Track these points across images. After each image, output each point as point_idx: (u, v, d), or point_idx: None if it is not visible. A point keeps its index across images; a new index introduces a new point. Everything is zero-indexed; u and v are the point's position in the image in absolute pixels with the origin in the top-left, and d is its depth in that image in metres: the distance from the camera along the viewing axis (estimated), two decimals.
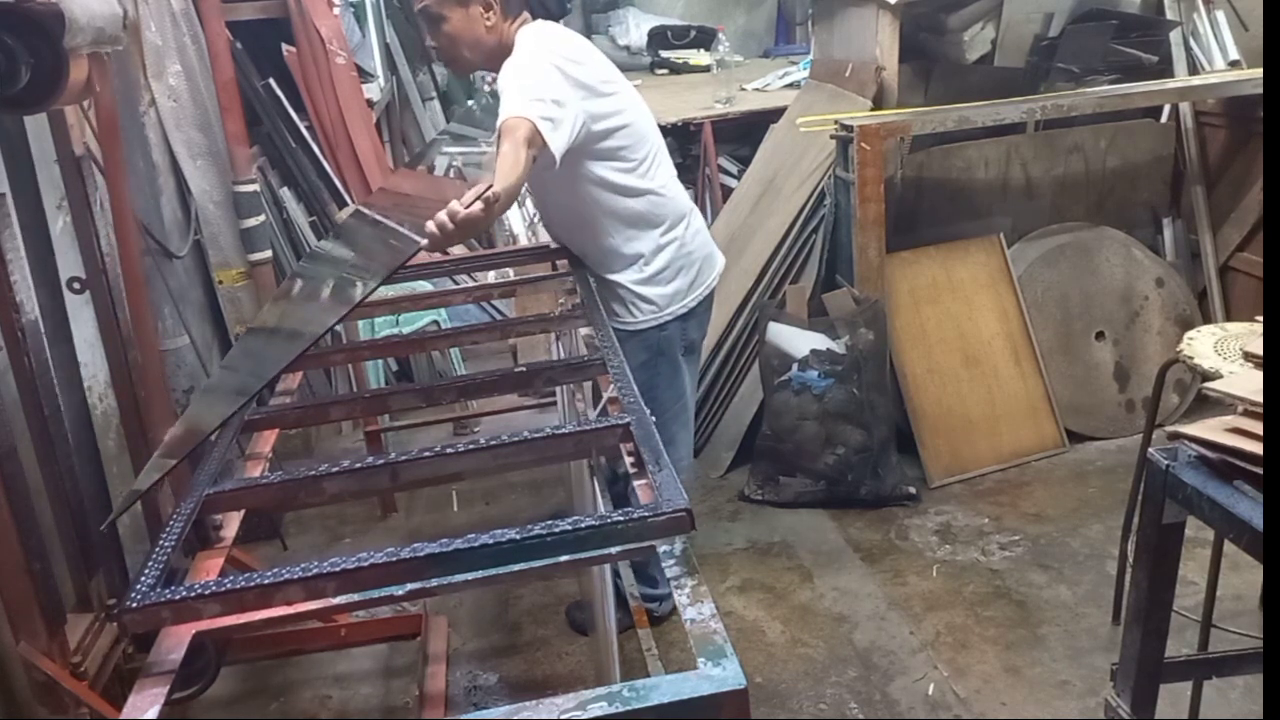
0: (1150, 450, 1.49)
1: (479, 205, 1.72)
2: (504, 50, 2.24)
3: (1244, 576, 2.57)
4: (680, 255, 2.44)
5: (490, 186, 1.78)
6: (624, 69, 6.78)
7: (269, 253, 3.63)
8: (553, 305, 2.68)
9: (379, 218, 2.31)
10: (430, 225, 1.74)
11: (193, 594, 1.22)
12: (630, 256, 2.37)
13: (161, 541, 1.36)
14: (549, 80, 2.10)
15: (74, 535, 2.06)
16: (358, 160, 4.00)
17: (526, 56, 2.17)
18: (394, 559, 1.23)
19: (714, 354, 3.57)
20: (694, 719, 1.03)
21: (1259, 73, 3.13)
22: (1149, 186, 3.80)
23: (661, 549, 1.27)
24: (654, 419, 2.32)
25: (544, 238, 3.87)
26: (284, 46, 3.87)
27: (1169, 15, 3.67)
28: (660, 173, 2.41)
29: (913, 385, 3.34)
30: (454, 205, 1.72)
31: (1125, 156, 3.74)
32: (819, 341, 3.22)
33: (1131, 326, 3.58)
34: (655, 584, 2.69)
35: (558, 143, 2.04)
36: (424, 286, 3.43)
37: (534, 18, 2.34)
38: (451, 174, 5.30)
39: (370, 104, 4.28)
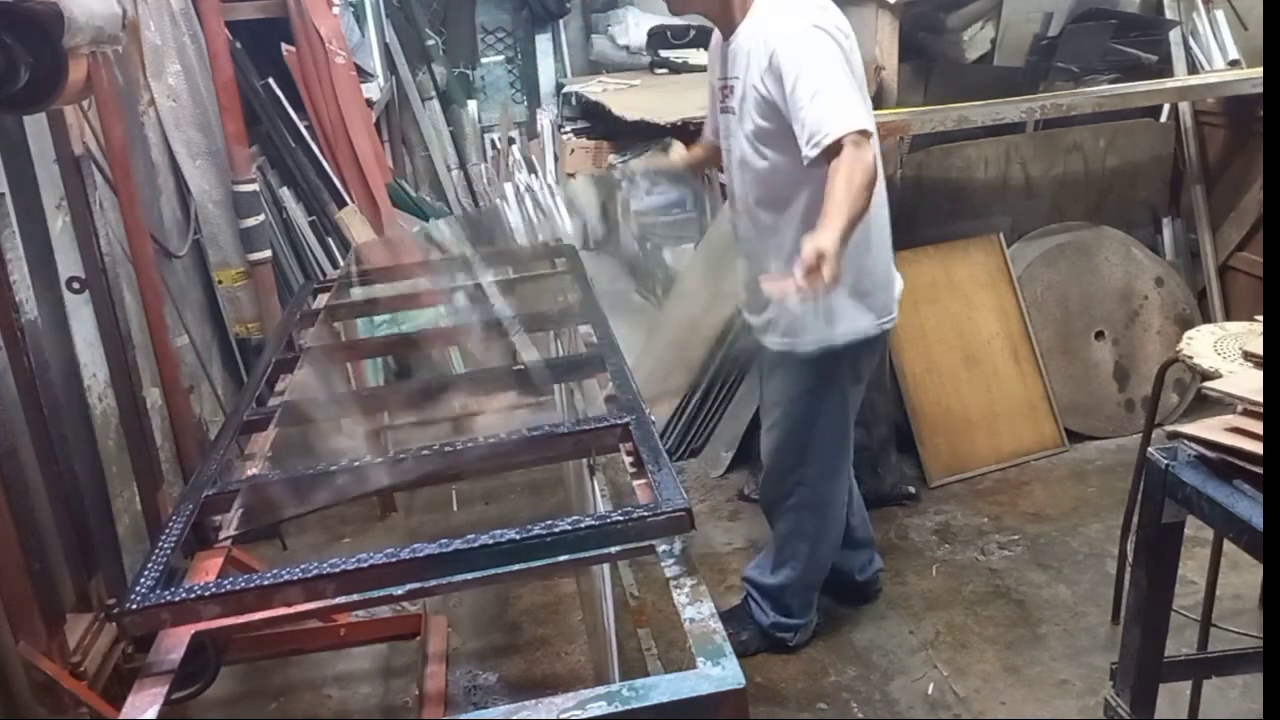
0: (1150, 450, 1.49)
1: (832, 243, 1.72)
2: (736, 4, 2.09)
3: (1243, 576, 2.57)
4: (886, 255, 2.30)
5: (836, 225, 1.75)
6: (623, 69, 6.77)
7: (268, 252, 3.63)
8: (552, 303, 2.68)
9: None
10: (796, 281, 1.71)
11: (192, 595, 1.22)
12: (853, 255, 1.99)
13: (161, 542, 1.36)
14: (841, 65, 1.97)
15: (73, 535, 2.05)
16: (357, 160, 3.99)
17: (807, 38, 1.97)
18: (393, 559, 1.23)
19: (714, 354, 3.57)
20: (693, 718, 1.03)
21: (1258, 72, 3.12)
22: (1148, 186, 3.80)
23: (661, 548, 1.27)
24: (808, 459, 2.39)
25: (546, 236, 3.87)
26: (283, 46, 3.87)
27: (1168, 15, 3.67)
28: None
29: (912, 384, 3.34)
30: (812, 247, 1.71)
31: (1125, 156, 3.74)
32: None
33: (1131, 326, 3.58)
34: (790, 612, 2.54)
35: (875, 147, 1.94)
36: (423, 285, 3.42)
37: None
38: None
39: (370, 104, 4.28)
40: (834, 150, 1.87)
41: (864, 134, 1.87)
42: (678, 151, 2.60)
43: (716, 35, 2.23)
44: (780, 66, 1.96)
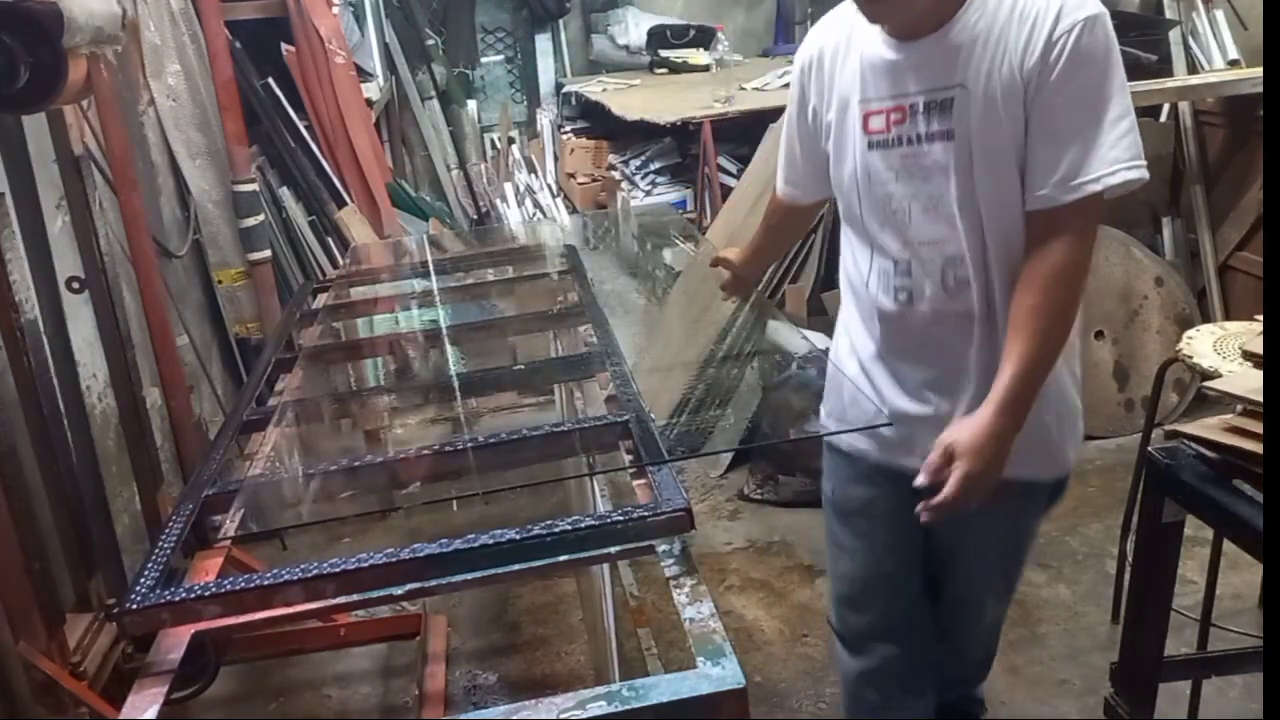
0: (1149, 449, 1.49)
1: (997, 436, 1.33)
2: None
3: (1243, 575, 2.57)
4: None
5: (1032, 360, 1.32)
6: (623, 68, 6.77)
7: (268, 252, 3.63)
8: (552, 303, 2.68)
9: None
10: (952, 489, 1.34)
11: (192, 595, 1.22)
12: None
13: (161, 542, 1.36)
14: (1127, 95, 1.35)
15: (73, 535, 2.05)
16: (357, 160, 4.00)
17: (1109, 30, 1.35)
18: (393, 559, 1.23)
19: (714, 352, 3.57)
20: (693, 718, 1.03)
21: (1258, 72, 3.13)
22: (1148, 185, 3.77)
23: (660, 548, 1.27)
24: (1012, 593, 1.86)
25: (545, 237, 3.87)
26: (283, 46, 3.87)
27: (1168, 14, 3.67)
28: None
29: None
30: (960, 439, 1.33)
31: None
32: (819, 340, 3.22)
33: (1130, 325, 3.58)
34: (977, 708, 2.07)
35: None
36: (422, 285, 3.43)
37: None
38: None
39: (369, 103, 4.28)
40: (1077, 211, 1.33)
41: (1136, 184, 1.34)
42: (729, 255, 2.04)
43: (819, 47, 1.55)
44: (1072, 56, 1.30)
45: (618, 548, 1.26)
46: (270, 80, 3.75)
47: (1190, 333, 2.21)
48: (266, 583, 1.23)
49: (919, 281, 1.47)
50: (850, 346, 1.65)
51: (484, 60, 6.26)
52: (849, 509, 1.72)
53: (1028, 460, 1.45)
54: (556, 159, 5.89)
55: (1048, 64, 1.31)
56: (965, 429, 1.35)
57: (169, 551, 1.34)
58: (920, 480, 1.37)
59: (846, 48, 1.48)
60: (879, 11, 1.38)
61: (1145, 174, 1.32)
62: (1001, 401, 1.34)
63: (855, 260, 1.58)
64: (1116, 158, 1.30)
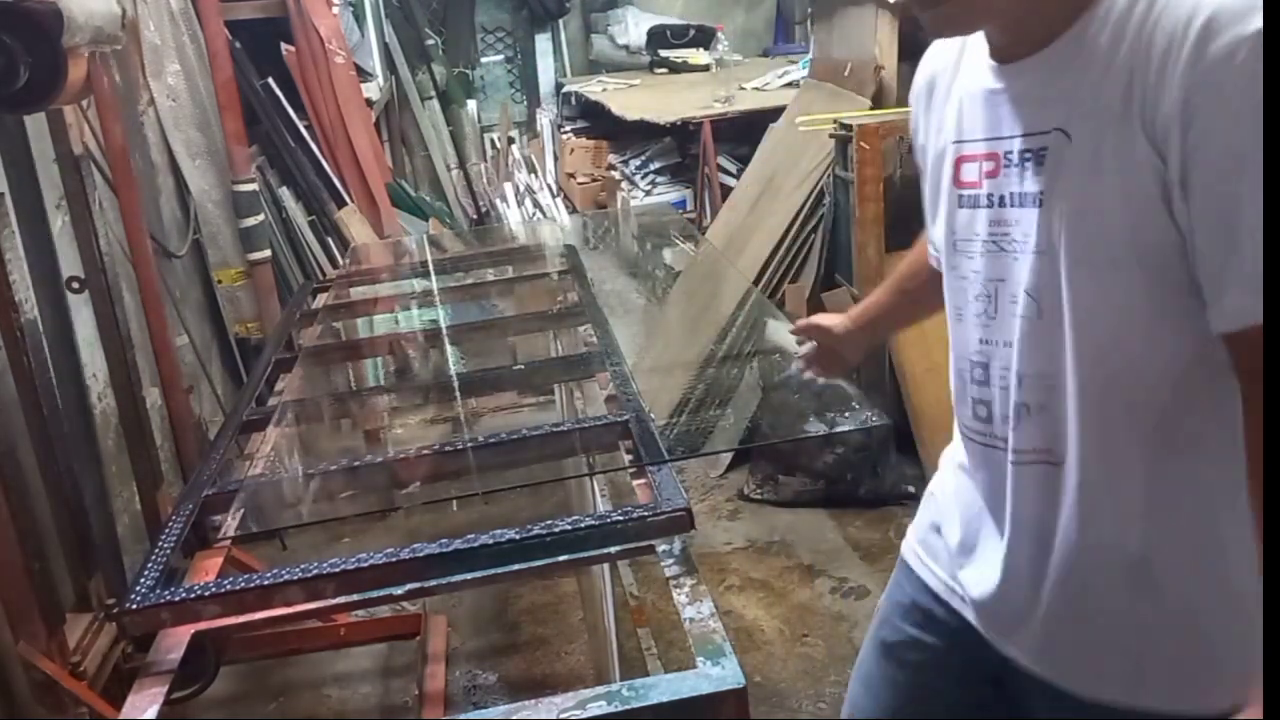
0: None
1: None
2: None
3: None
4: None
5: None
6: (623, 68, 6.79)
7: (268, 252, 3.63)
8: (551, 303, 2.68)
9: None
10: None
11: (192, 595, 1.22)
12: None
13: (161, 542, 1.37)
14: None
15: (73, 535, 2.05)
16: (357, 159, 4.00)
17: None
18: (393, 559, 1.23)
19: (713, 352, 3.57)
20: (693, 718, 1.03)
21: None
22: None
23: (660, 548, 1.27)
24: None
25: (545, 237, 3.87)
26: (283, 46, 3.87)
27: None
28: None
29: (912, 384, 3.34)
30: None
31: None
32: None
33: None
34: None
35: None
36: (422, 285, 3.43)
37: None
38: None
39: (369, 103, 4.29)
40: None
41: None
42: (825, 323, 1.52)
43: (930, 71, 1.15)
44: (1238, 92, 0.79)
45: (618, 548, 1.26)
46: (270, 80, 3.76)
47: None
48: (266, 583, 1.23)
49: (993, 397, 1.07)
50: (949, 452, 1.24)
51: (484, 60, 6.27)
52: (888, 636, 1.27)
53: (1173, 684, 0.98)
54: (556, 159, 5.90)
55: (1194, 109, 0.81)
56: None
57: (169, 551, 1.34)
58: None
59: (955, 71, 1.07)
60: (939, 22, 0.96)
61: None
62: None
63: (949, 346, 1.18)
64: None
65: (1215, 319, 0.85)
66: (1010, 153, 0.97)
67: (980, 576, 1.11)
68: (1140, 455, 0.95)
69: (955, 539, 1.16)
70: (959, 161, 1.05)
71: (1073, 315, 0.93)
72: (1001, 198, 0.99)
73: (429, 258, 3.00)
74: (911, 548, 1.27)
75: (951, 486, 1.20)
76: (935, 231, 1.14)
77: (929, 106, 1.13)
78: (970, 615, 1.13)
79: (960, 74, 1.06)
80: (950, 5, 0.91)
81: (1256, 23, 0.78)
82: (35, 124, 2.14)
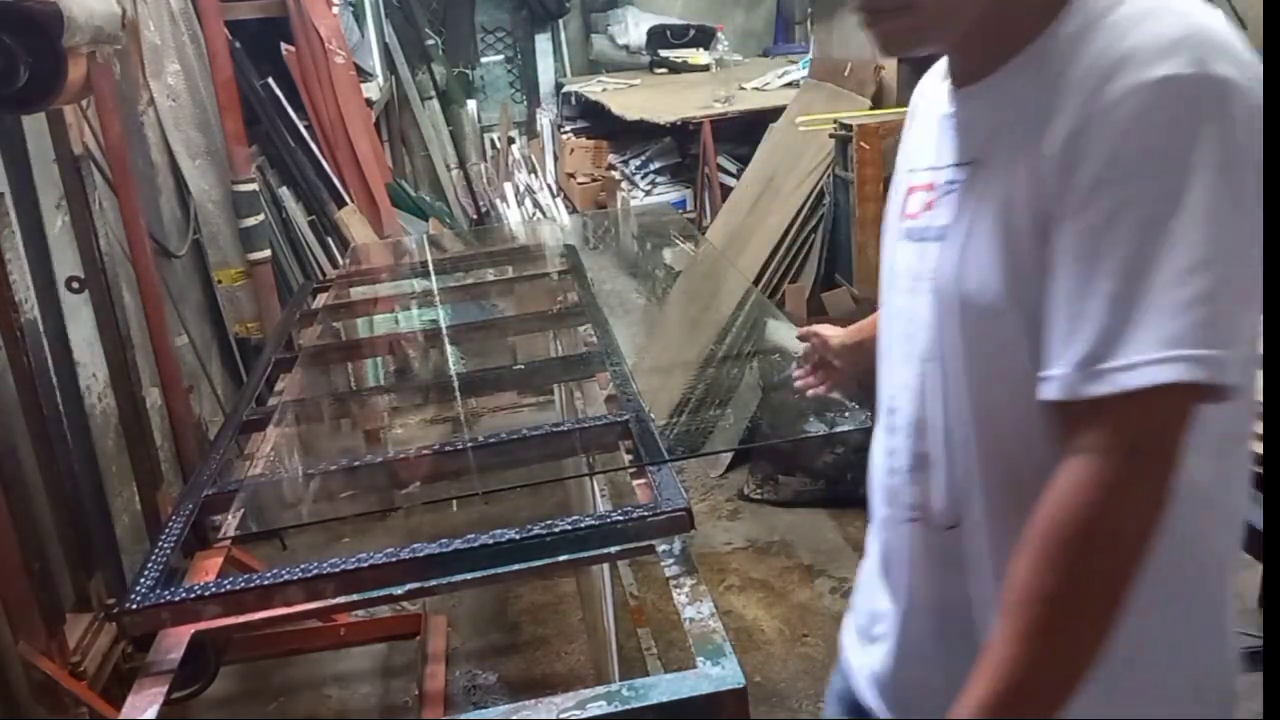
0: None
1: None
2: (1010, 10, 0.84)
3: (1243, 576, 2.57)
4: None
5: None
6: (623, 68, 6.78)
7: (268, 252, 3.63)
8: (551, 303, 2.68)
9: None
10: None
11: (192, 595, 1.22)
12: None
13: (161, 542, 1.37)
14: (1243, 195, 0.74)
15: (73, 535, 2.05)
16: (357, 159, 4.00)
17: (1187, 106, 0.73)
18: (393, 559, 1.23)
19: (714, 352, 3.57)
20: (693, 718, 1.03)
21: None
22: None
23: (660, 548, 1.27)
24: None
25: (545, 237, 3.87)
26: (283, 46, 3.87)
27: None
28: None
29: None
30: None
31: None
32: None
33: None
34: None
35: (1242, 380, 0.76)
36: (422, 285, 3.43)
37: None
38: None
39: (369, 103, 4.29)
40: (1110, 417, 0.74)
41: (1202, 393, 0.73)
42: (825, 332, 1.48)
43: (918, 94, 1.05)
44: (1119, 143, 0.74)
45: (618, 548, 1.26)
46: (270, 80, 3.76)
47: None
48: (266, 583, 1.23)
49: (896, 444, 0.98)
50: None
51: (484, 60, 6.27)
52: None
53: None
54: (556, 159, 5.90)
55: (1078, 152, 0.75)
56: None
57: (169, 551, 1.34)
58: None
59: (934, 94, 0.97)
60: (886, 37, 0.89)
61: (1225, 378, 0.71)
62: (990, 670, 0.77)
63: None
64: (1174, 336, 0.71)
65: (1044, 384, 0.77)
66: (939, 183, 0.91)
67: (878, 654, 1.03)
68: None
69: (862, 614, 1.08)
70: (909, 191, 0.97)
71: (967, 362, 0.86)
72: (925, 230, 0.91)
73: (429, 258, 3.00)
74: (845, 627, 1.14)
75: (866, 558, 1.13)
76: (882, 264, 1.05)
77: (908, 130, 1.05)
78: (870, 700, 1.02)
79: (934, 98, 0.97)
80: (888, 22, 0.86)
81: (1166, 69, 0.72)
82: (35, 124, 2.14)
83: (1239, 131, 0.73)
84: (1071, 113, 0.76)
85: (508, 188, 5.43)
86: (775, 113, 4.47)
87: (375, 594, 1.24)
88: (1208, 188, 0.71)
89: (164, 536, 1.39)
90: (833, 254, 3.45)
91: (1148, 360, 0.71)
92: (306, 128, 3.88)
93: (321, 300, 2.69)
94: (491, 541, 1.23)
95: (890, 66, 3.50)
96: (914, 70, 3.62)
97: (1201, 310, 0.71)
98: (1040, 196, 0.78)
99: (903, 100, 3.53)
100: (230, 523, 1.51)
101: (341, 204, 3.88)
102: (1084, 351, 0.74)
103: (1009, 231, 0.80)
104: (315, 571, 1.22)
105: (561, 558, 1.25)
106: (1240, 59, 0.76)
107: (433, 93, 5.82)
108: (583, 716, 1.01)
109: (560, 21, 6.21)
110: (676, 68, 6.15)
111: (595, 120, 5.65)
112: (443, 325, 2.40)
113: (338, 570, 1.22)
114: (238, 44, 3.62)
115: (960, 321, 0.86)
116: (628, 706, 1.02)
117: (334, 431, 3.98)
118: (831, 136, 3.35)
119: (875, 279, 1.03)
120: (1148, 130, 0.72)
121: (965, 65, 0.89)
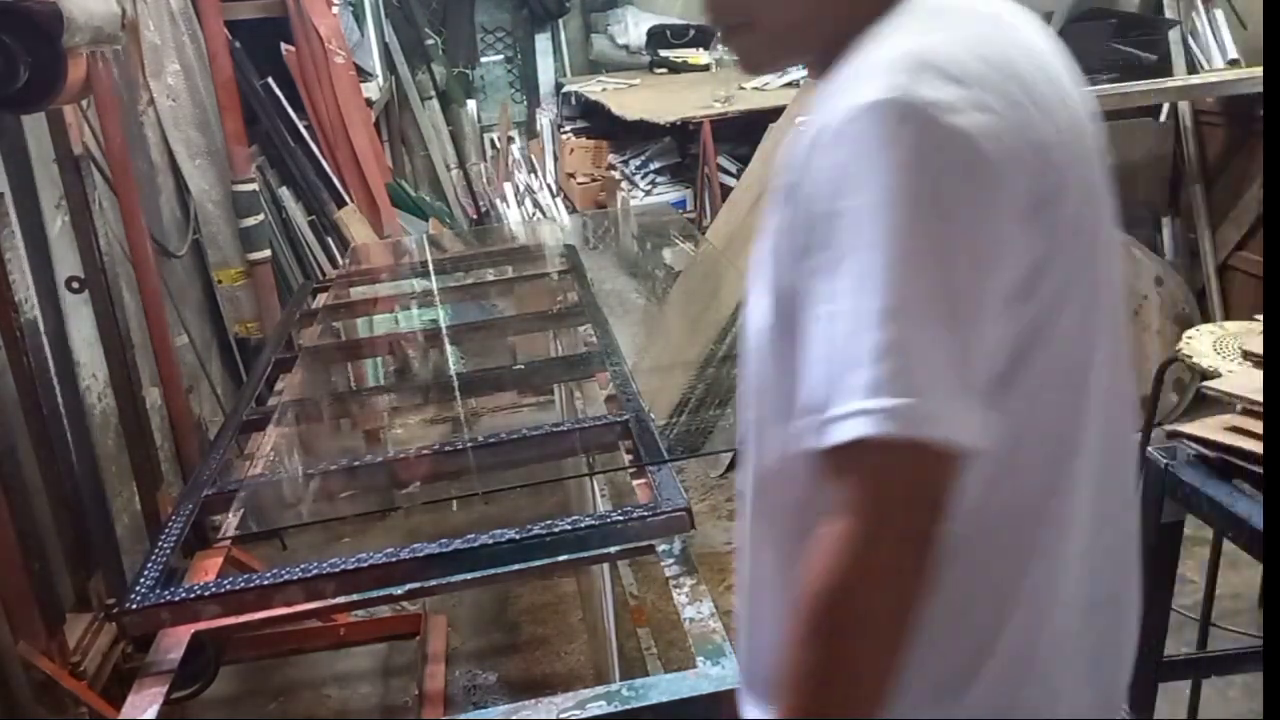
0: (1149, 449, 1.49)
1: None
2: (844, 28, 0.77)
3: (1243, 575, 2.57)
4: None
5: None
6: (623, 68, 6.77)
7: (268, 252, 3.63)
8: (551, 303, 2.68)
9: None
10: None
11: (192, 595, 1.22)
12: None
13: (161, 542, 1.37)
14: (956, 230, 0.67)
15: (73, 535, 2.06)
16: (356, 159, 4.00)
17: (874, 139, 0.67)
18: (393, 559, 1.23)
19: (714, 352, 3.57)
20: (692, 718, 1.03)
21: (1258, 71, 3.13)
22: (1147, 185, 3.80)
23: (660, 548, 1.28)
24: None
25: (545, 237, 3.87)
26: (283, 45, 3.87)
27: (1168, 14, 3.67)
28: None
29: None
30: None
31: (1124, 155, 3.74)
32: None
33: (1130, 325, 3.59)
34: None
35: (971, 430, 0.66)
36: (422, 285, 3.43)
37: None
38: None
39: (369, 103, 4.28)
40: (841, 466, 0.67)
41: (928, 452, 0.64)
42: None
43: None
44: (817, 177, 0.70)
45: (618, 548, 1.27)
46: (270, 80, 3.75)
47: (1190, 332, 2.21)
48: (266, 583, 1.23)
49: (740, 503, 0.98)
50: None
51: (484, 60, 6.27)
52: None
53: None
54: (556, 159, 5.89)
55: (789, 189, 0.73)
56: None
57: (169, 551, 1.34)
58: None
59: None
60: (738, 54, 0.85)
61: (931, 430, 0.64)
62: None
63: None
64: (866, 384, 0.65)
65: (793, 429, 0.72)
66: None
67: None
68: (775, 563, 0.87)
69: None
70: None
71: (755, 391, 0.86)
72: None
73: (429, 258, 3.00)
74: None
75: None
76: None
77: None
78: None
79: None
80: (735, 40, 0.82)
81: (877, 93, 0.67)
82: (35, 124, 2.14)
83: (938, 156, 0.66)
84: (799, 140, 0.73)
85: (507, 188, 5.43)
86: (775, 113, 4.46)
87: (375, 594, 1.24)
88: (900, 220, 0.65)
89: (164, 536, 1.39)
90: None
91: (846, 413, 0.65)
92: (306, 127, 3.88)
93: (321, 300, 2.69)
94: (491, 541, 1.23)
95: None
96: None
97: (891, 360, 0.64)
98: (783, 230, 0.75)
99: None
100: (230, 523, 1.51)
101: (341, 204, 3.88)
102: (810, 397, 0.69)
103: (759, 269, 0.79)
104: (315, 571, 1.22)
105: (561, 558, 1.25)
106: (958, 79, 0.68)
107: (433, 93, 5.82)
108: (582, 716, 1.01)
109: (560, 21, 6.21)
110: (676, 68, 6.15)
111: (595, 120, 5.65)
112: (443, 325, 2.41)
113: (338, 570, 1.22)
114: (238, 44, 3.62)
115: (748, 359, 0.86)
116: (627, 706, 1.02)
117: (334, 431, 3.98)
118: None
119: None
120: (835, 164, 0.68)
121: (815, 73, 0.83)
